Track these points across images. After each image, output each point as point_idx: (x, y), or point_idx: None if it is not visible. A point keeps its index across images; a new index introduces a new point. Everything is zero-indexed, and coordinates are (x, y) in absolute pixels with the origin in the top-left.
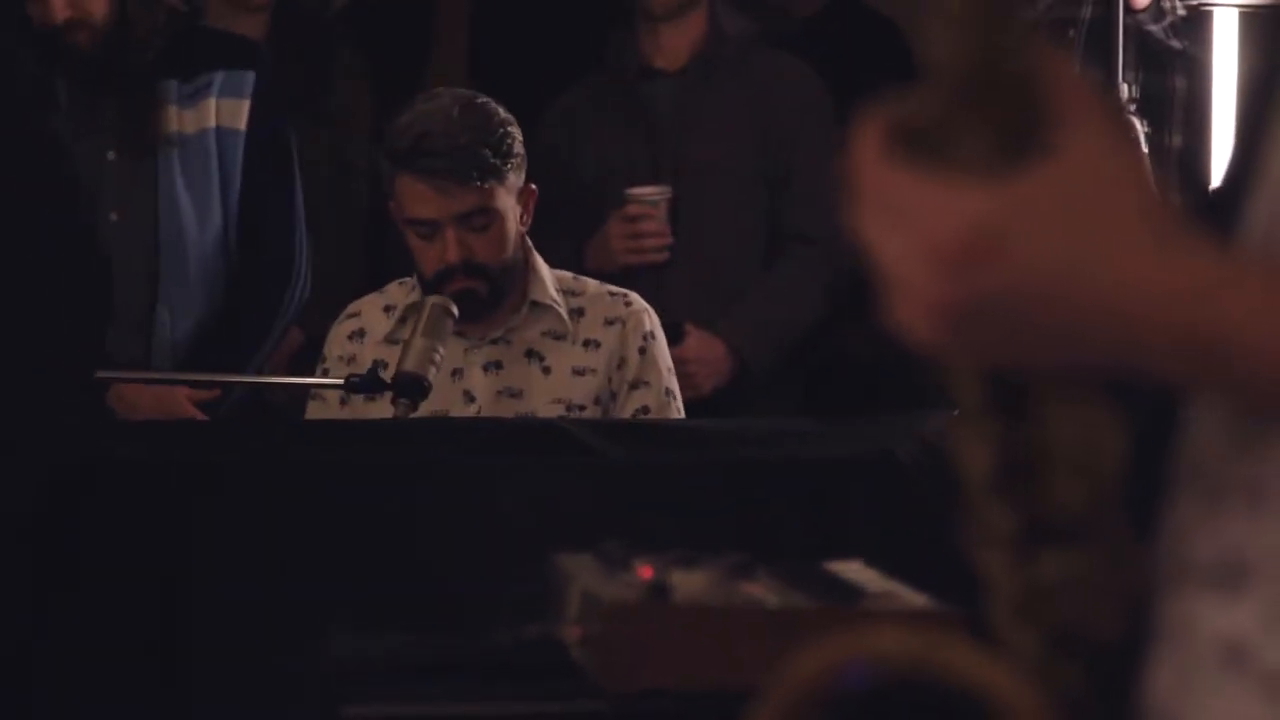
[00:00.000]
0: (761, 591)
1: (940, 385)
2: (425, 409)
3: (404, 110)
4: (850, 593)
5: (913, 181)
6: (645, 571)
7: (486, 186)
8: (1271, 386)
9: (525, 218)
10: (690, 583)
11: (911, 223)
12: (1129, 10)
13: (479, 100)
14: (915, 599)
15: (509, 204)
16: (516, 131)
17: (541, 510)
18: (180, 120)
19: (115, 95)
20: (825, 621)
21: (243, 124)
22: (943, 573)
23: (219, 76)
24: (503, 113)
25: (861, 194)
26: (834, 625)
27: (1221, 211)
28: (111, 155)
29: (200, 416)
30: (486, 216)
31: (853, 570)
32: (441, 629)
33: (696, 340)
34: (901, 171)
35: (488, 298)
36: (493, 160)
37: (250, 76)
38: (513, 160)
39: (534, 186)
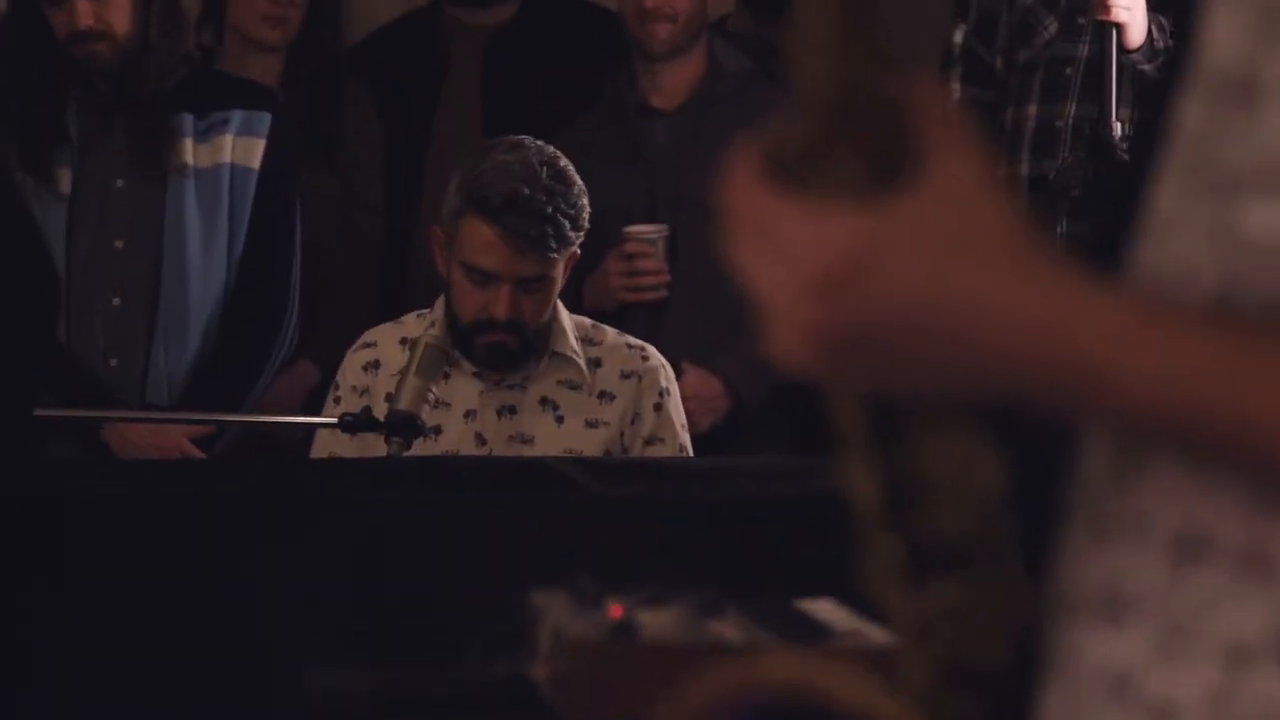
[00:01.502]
0: (729, 630)
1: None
2: (438, 449)
3: (484, 155)
4: (817, 631)
5: (784, 209)
6: (616, 610)
7: (556, 255)
8: (1138, 411)
9: (564, 278)
10: (657, 621)
11: (783, 250)
12: (1122, 50)
13: (561, 163)
14: (881, 637)
15: (561, 270)
16: (586, 200)
17: (527, 547)
18: (195, 154)
19: (128, 121)
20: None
21: (256, 163)
22: None
23: (236, 115)
24: (579, 179)
25: (734, 222)
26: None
27: (1109, 249)
28: (120, 183)
29: (196, 453)
30: (544, 282)
31: (823, 609)
32: (422, 665)
33: (694, 378)
34: (773, 199)
35: (516, 351)
36: (569, 232)
37: (267, 118)
38: (582, 231)
39: (578, 251)
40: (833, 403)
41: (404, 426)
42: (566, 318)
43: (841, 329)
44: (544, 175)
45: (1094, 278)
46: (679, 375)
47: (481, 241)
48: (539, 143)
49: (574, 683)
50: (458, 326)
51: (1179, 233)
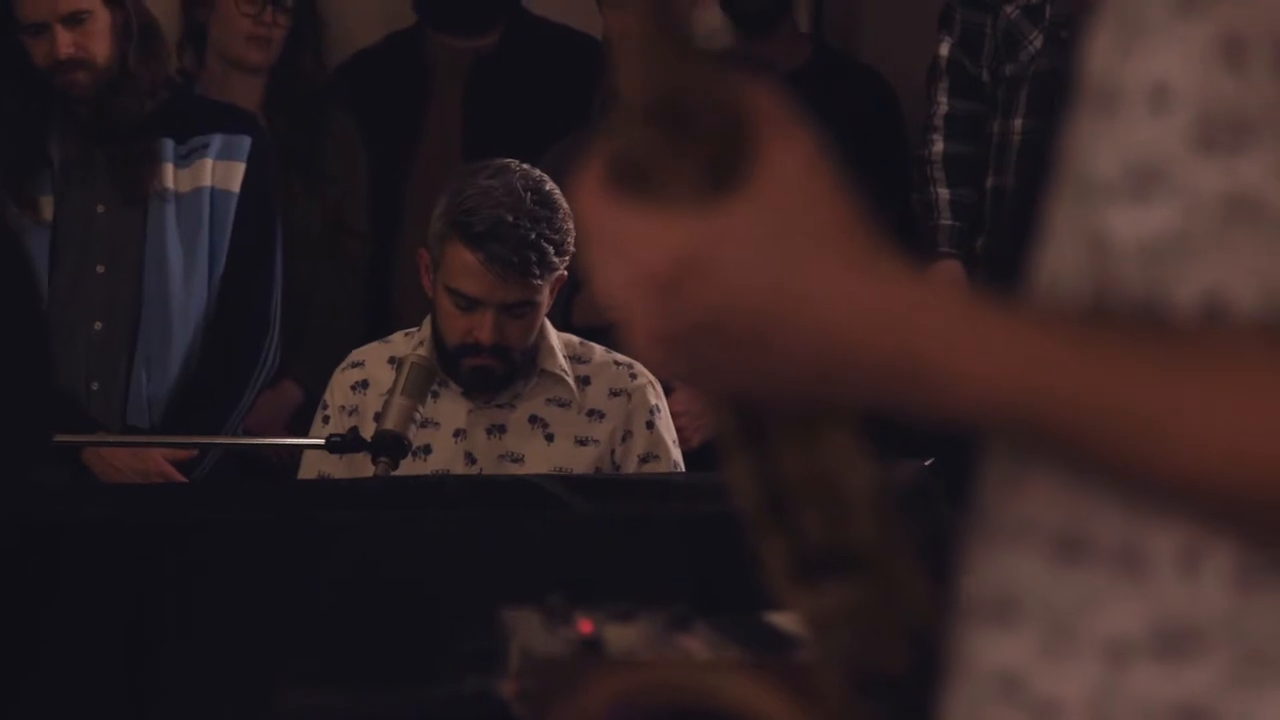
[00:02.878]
0: (696, 644)
1: (921, 435)
2: (427, 468)
3: (469, 179)
4: (782, 643)
5: (623, 213)
6: (586, 626)
7: (540, 281)
8: (971, 407)
9: (550, 301)
10: (624, 636)
11: (624, 253)
12: None
13: (547, 187)
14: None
15: (547, 293)
16: (573, 226)
17: (510, 564)
18: (175, 178)
19: (109, 147)
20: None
21: (236, 186)
22: None
23: (216, 139)
24: (565, 203)
25: (583, 227)
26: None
27: (1004, 262)
28: (101, 209)
29: (178, 477)
30: (529, 308)
31: (791, 621)
32: (401, 685)
33: (684, 394)
34: (615, 204)
35: (501, 375)
36: (553, 258)
37: (247, 141)
38: (567, 257)
39: (565, 273)
40: (707, 407)
41: (391, 446)
42: (555, 336)
43: (680, 330)
44: (528, 200)
45: (930, 278)
46: (669, 392)
47: (465, 268)
48: (525, 166)
49: (541, 700)
50: (444, 349)
51: (1062, 242)
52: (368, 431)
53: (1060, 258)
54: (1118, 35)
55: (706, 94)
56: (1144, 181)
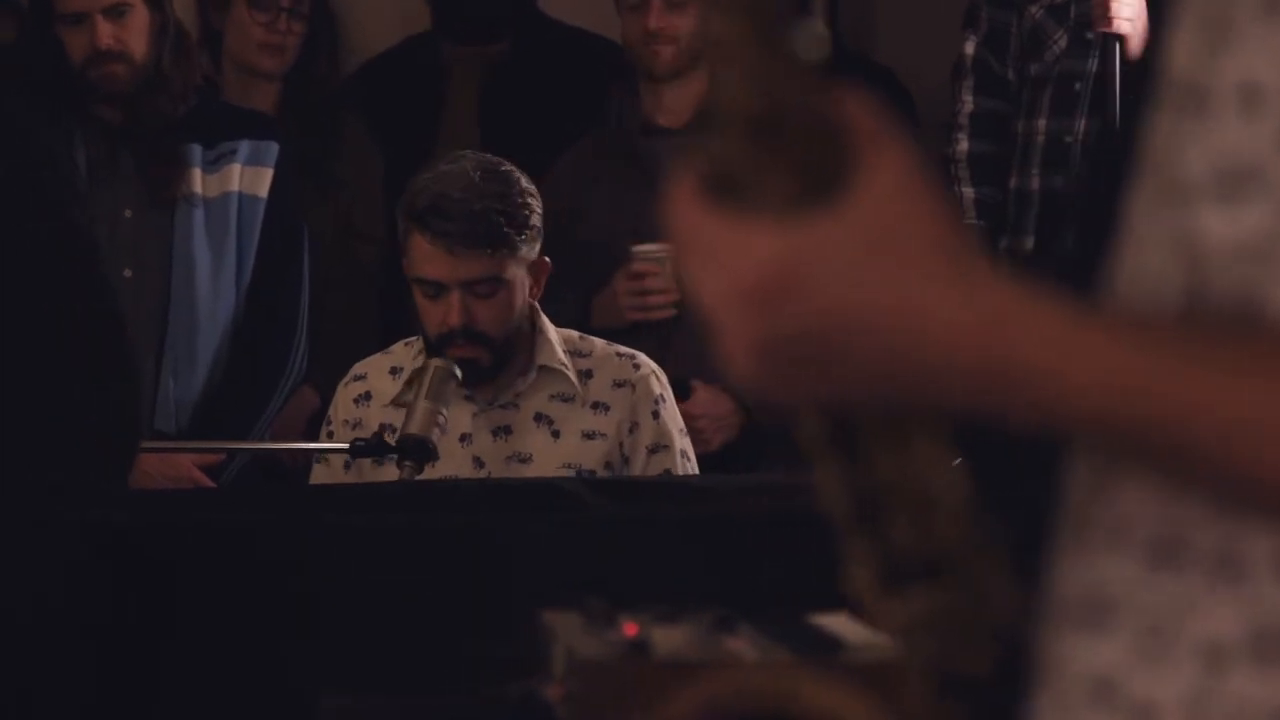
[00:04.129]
0: (743, 646)
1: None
2: (435, 474)
3: (426, 169)
4: (830, 645)
5: (719, 224)
6: (630, 628)
7: (496, 255)
8: (1073, 415)
9: (535, 290)
10: (670, 639)
11: (720, 265)
12: (1125, 62)
13: (503, 168)
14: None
15: (519, 275)
16: (536, 204)
17: (530, 567)
18: (203, 183)
19: (137, 151)
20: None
21: (264, 192)
22: None
23: (244, 145)
24: (524, 182)
25: (677, 240)
26: (771, 674)
27: (1080, 268)
28: (129, 213)
29: (206, 481)
30: (494, 285)
31: (836, 623)
32: (431, 688)
33: (704, 395)
34: (709, 215)
35: (489, 366)
36: (506, 230)
37: (274, 147)
38: (528, 232)
39: (547, 260)
40: (794, 415)
41: (416, 450)
42: (552, 330)
43: (777, 342)
44: (476, 178)
45: (1026, 285)
46: (689, 394)
47: (422, 254)
48: (483, 155)
49: (588, 702)
50: (429, 347)
51: (1146, 244)
52: None
53: (1143, 260)
54: (1201, 34)
55: (804, 105)
56: (1236, 183)
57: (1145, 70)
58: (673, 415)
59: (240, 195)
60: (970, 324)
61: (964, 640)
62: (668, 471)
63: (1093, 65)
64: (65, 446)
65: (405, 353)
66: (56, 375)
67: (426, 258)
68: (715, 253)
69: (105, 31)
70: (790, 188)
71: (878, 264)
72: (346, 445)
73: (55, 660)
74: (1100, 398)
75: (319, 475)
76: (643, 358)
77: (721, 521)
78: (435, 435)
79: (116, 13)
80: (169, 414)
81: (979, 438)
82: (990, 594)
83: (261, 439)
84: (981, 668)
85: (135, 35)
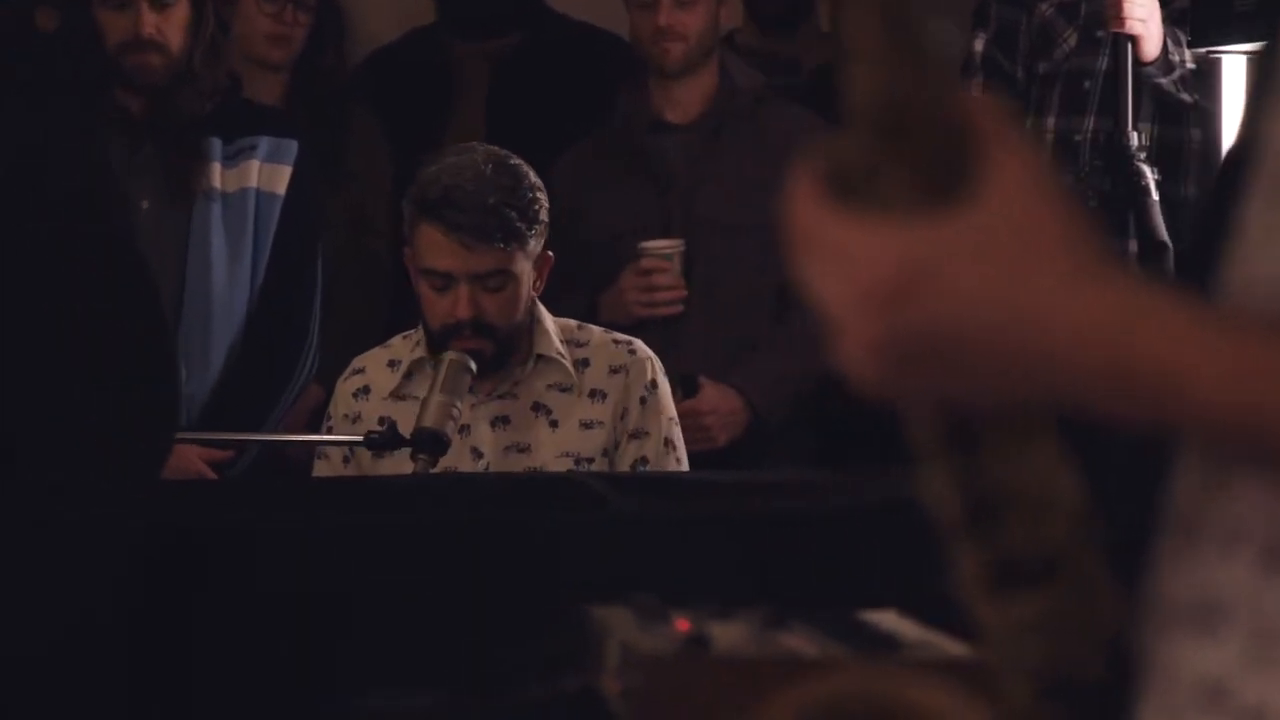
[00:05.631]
0: (799, 643)
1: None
2: (434, 466)
3: (435, 160)
4: (888, 642)
5: (843, 224)
6: (682, 624)
7: (507, 249)
8: (1202, 415)
9: (539, 284)
10: (728, 634)
11: (843, 264)
12: (1138, 62)
13: (512, 161)
14: (953, 648)
15: (525, 268)
16: (544, 198)
17: (555, 564)
18: (222, 178)
19: (159, 143)
20: (865, 672)
21: (282, 189)
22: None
23: (263, 141)
24: (533, 176)
25: (797, 239)
26: (873, 675)
27: (1195, 267)
28: (146, 204)
29: (211, 475)
30: (502, 278)
31: (887, 620)
32: (466, 685)
33: (711, 392)
34: (833, 214)
35: (493, 358)
36: (518, 224)
37: (294, 145)
38: (537, 226)
39: (550, 254)
40: (908, 416)
41: (430, 443)
42: (549, 320)
43: (903, 341)
44: (487, 171)
45: (1152, 285)
46: (696, 390)
47: (431, 244)
48: (492, 147)
49: (648, 696)
50: (431, 339)
51: (1268, 248)
52: None
53: (1260, 261)
54: None
55: (934, 103)
56: None
57: (1265, 76)
58: (664, 402)
59: (258, 191)
60: (1099, 323)
61: (1072, 643)
62: (643, 460)
63: (1102, 63)
64: (100, 444)
65: (404, 345)
66: (97, 373)
67: (436, 249)
68: (839, 252)
69: (149, 20)
70: (917, 186)
71: (1006, 262)
72: (361, 438)
73: (73, 660)
74: (1229, 395)
75: (320, 469)
76: (639, 344)
77: (747, 518)
78: (449, 428)
79: (160, 3)
80: (180, 407)
81: (1082, 438)
82: (1099, 596)
83: (256, 433)
84: (1088, 671)
85: (174, 28)
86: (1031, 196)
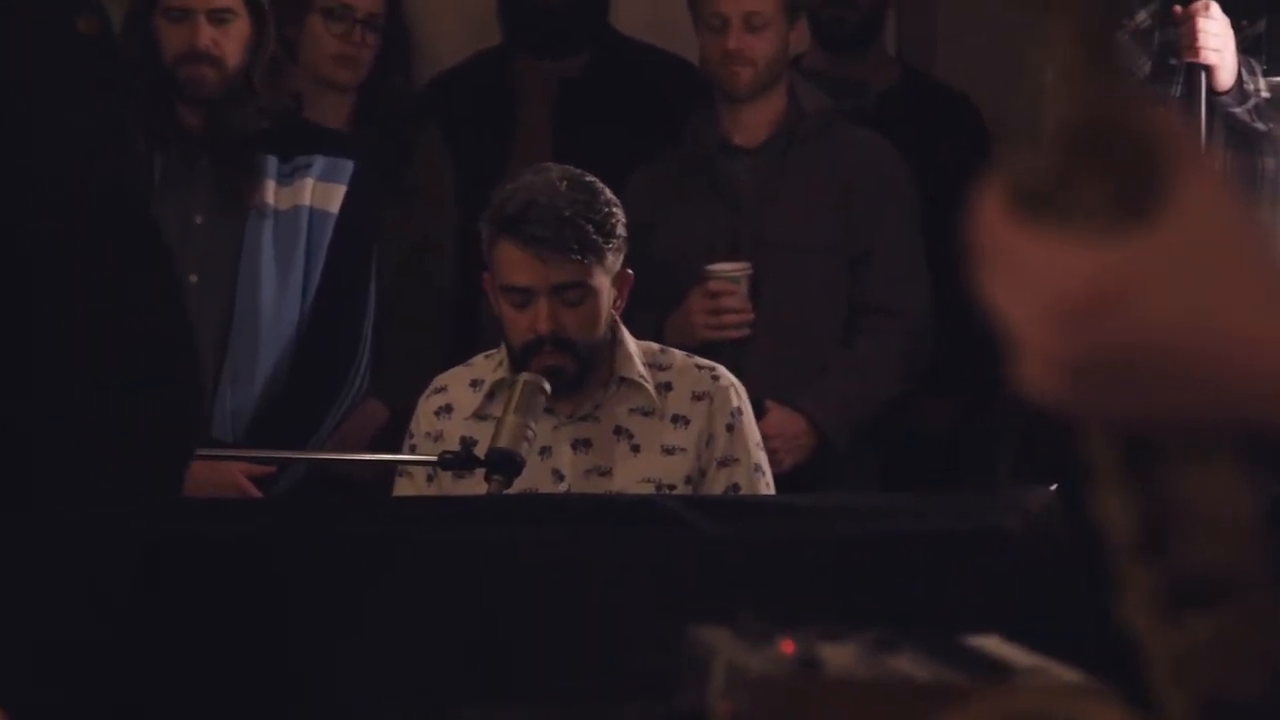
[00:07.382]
0: (909, 666)
1: (1017, 460)
2: (514, 488)
3: (510, 179)
4: (998, 667)
5: (1032, 240)
6: (786, 645)
7: (585, 261)
8: None
9: (619, 301)
10: (839, 656)
11: (1032, 281)
12: (1212, 91)
13: (587, 178)
14: (1066, 674)
15: (604, 283)
16: (620, 214)
17: (641, 586)
18: (276, 195)
19: (214, 158)
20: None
21: (335, 208)
22: (1064, 647)
23: (319, 160)
24: (609, 193)
25: (984, 255)
26: (1091, 702)
27: None
28: (199, 219)
29: (254, 492)
30: (581, 291)
31: (993, 644)
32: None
33: (777, 416)
34: (1021, 231)
35: (574, 376)
36: (594, 236)
37: (349, 165)
38: (614, 240)
39: (630, 272)
40: (1086, 435)
41: (504, 464)
42: (632, 343)
43: (1090, 359)
44: (563, 186)
45: None
46: (762, 414)
47: (510, 260)
48: (567, 166)
49: (761, 717)
50: (514, 357)
51: None
52: None
53: None
54: None
55: (1126, 119)
56: None
57: None
58: (749, 428)
59: (311, 210)
60: None
61: (1241, 664)
62: (735, 486)
63: (1177, 91)
64: (121, 446)
65: (486, 365)
66: (118, 374)
67: (515, 264)
68: (1029, 269)
69: (207, 32)
70: (1110, 203)
71: (1198, 280)
72: (435, 458)
73: (73, 659)
74: None
75: (402, 488)
76: (722, 370)
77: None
78: (523, 449)
79: (219, 17)
80: (225, 423)
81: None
82: (1271, 618)
83: (319, 450)
84: (1255, 692)
85: (233, 43)
86: (1222, 212)
